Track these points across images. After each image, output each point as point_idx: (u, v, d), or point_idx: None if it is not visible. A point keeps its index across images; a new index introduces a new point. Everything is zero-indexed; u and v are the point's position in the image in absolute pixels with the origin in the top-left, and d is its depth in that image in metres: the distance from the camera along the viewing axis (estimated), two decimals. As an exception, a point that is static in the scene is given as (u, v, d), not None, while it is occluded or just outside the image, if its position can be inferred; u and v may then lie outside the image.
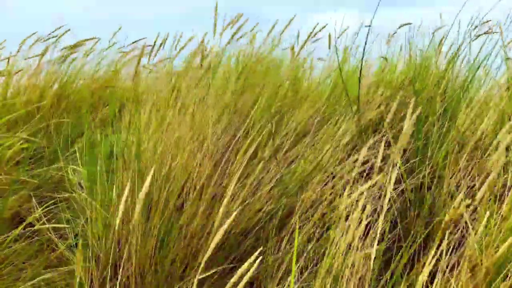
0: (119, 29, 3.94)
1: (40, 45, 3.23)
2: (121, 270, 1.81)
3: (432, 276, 1.46)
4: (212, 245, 1.19)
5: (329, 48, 3.31)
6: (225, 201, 1.37)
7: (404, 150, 2.24)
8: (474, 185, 2.01)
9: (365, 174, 2.17)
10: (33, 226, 2.13)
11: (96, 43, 3.61)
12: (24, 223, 1.91)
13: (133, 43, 3.89)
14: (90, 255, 1.90)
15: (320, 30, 3.17)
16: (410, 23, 3.18)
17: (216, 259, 1.93)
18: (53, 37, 3.19)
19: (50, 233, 1.98)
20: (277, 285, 1.79)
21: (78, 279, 1.41)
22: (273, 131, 2.26)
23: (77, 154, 2.27)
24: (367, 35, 2.48)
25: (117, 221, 1.44)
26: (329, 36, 3.29)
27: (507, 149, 1.93)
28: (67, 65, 3.16)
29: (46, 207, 2.06)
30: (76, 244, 1.99)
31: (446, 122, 2.16)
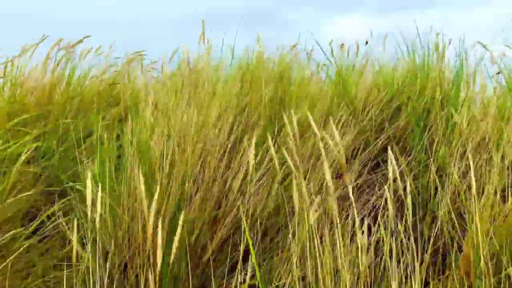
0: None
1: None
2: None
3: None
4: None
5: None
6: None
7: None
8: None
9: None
10: (43, 223, 2.16)
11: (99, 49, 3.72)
12: (39, 219, 1.94)
13: (136, 53, 4.06)
14: (100, 251, 1.92)
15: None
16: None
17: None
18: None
19: (64, 229, 2.01)
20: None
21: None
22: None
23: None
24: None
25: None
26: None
27: None
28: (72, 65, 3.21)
29: (60, 204, 2.09)
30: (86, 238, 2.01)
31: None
